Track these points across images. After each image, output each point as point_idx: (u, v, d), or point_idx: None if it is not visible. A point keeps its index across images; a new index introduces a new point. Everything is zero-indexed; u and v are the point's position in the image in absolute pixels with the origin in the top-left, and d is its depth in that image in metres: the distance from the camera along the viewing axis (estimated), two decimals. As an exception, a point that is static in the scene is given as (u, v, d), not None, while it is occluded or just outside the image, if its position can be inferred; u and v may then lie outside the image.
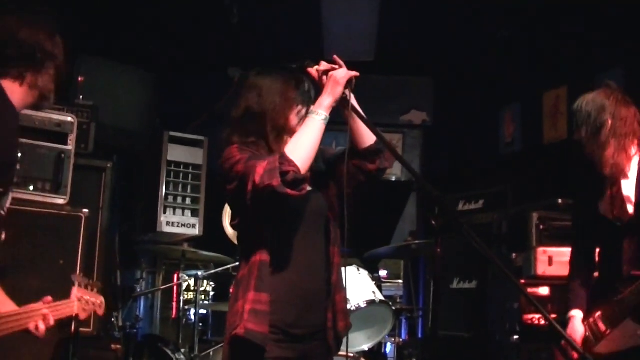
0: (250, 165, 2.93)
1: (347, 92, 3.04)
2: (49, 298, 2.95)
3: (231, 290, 3.34)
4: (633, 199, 3.60)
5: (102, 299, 3.37)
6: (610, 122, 3.63)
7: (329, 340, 3.16)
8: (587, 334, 3.69)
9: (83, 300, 3.22)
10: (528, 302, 4.95)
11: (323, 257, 3.18)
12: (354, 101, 3.09)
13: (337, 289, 3.19)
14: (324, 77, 3.08)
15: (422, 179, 2.78)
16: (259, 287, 2.96)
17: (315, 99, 3.09)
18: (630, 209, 3.60)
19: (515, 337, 5.25)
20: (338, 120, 3.09)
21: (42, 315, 2.85)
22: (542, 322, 5.08)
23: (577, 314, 3.77)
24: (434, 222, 4.93)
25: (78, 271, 4.42)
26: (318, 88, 3.10)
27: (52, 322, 2.89)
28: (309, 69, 3.12)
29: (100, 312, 3.37)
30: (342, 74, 3.04)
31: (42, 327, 2.84)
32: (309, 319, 3.09)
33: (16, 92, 2.77)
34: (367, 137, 3.19)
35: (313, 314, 3.11)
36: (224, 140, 3.26)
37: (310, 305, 3.09)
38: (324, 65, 3.10)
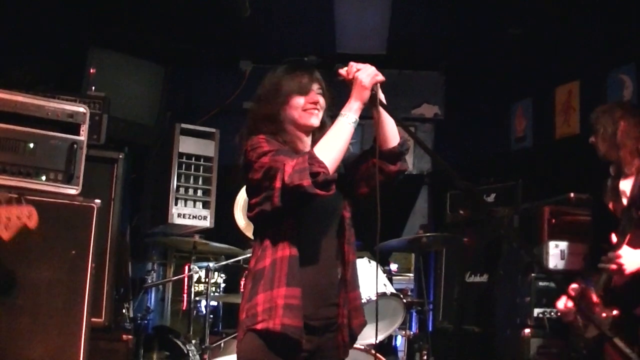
0: (278, 160, 2.96)
1: (376, 88, 3.04)
2: None
3: (243, 282, 3.34)
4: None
5: (30, 208, 3.16)
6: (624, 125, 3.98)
7: (344, 337, 3.21)
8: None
9: (3, 217, 3.05)
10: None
11: (337, 254, 3.24)
12: (382, 98, 3.10)
13: (351, 287, 3.25)
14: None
15: (452, 170, 2.79)
16: (291, 282, 3.01)
17: (346, 100, 3.09)
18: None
19: (526, 331, 5.24)
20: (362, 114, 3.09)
21: None
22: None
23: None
24: (462, 212, 4.95)
25: (90, 262, 4.42)
26: (349, 89, 3.10)
27: None
28: (340, 70, 3.11)
29: (32, 223, 3.15)
30: (367, 79, 3.02)
31: None
32: (324, 312, 3.16)
33: None
34: (391, 139, 3.21)
35: (327, 307, 3.18)
36: (248, 128, 3.29)
37: (324, 299, 3.16)
38: (354, 66, 3.08)
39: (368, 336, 5.15)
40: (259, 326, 2.98)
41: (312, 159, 2.89)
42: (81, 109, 4.68)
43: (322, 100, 3.24)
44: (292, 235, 3.05)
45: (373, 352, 4.95)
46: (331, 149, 2.95)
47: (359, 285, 3.30)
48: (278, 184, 2.91)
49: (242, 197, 5.57)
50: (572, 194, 5.48)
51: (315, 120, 3.21)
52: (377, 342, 5.24)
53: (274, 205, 2.95)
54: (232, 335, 5.06)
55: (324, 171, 2.88)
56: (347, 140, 3.00)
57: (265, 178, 2.98)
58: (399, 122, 3.13)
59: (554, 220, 5.36)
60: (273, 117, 3.20)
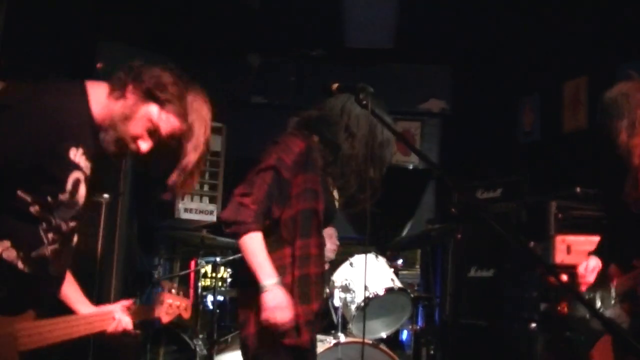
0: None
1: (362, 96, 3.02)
2: (127, 302, 3.01)
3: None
4: None
5: (187, 302, 3.39)
6: None
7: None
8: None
9: (166, 304, 3.26)
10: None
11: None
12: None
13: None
14: None
15: (440, 168, 2.78)
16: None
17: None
18: None
19: (533, 325, 5.24)
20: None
21: (119, 319, 2.90)
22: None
23: None
24: (453, 210, 4.94)
25: (99, 256, 4.44)
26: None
27: (130, 326, 2.96)
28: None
29: (186, 315, 3.38)
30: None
31: (119, 329, 2.91)
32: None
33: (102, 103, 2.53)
34: None
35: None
36: (300, 123, 3.33)
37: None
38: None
39: (376, 331, 5.20)
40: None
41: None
42: (89, 103, 4.67)
43: None
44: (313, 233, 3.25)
45: (382, 347, 4.96)
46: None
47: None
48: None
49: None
50: (578, 189, 5.46)
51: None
52: (385, 336, 5.25)
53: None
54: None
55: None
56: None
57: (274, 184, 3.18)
58: (385, 123, 3.09)
59: (560, 215, 5.35)
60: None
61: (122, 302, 2.99)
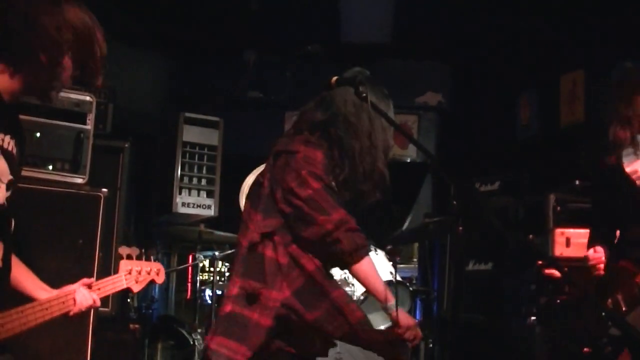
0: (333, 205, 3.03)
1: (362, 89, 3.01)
2: (88, 280, 2.94)
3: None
4: None
5: (159, 265, 3.29)
6: None
7: None
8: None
9: (134, 273, 3.17)
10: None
11: None
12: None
13: None
14: None
15: (438, 161, 2.79)
16: None
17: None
18: None
19: (532, 318, 5.25)
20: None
21: (80, 299, 2.83)
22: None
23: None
24: (455, 202, 4.92)
25: (97, 251, 4.42)
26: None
27: (98, 303, 2.91)
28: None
29: (159, 280, 3.28)
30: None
31: (83, 307, 2.84)
32: None
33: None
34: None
35: None
36: (317, 126, 3.23)
37: None
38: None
39: (375, 324, 5.20)
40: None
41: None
42: (87, 97, 4.66)
43: None
44: None
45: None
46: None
47: None
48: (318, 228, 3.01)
49: (247, 184, 5.55)
50: (577, 182, 5.46)
51: None
52: (383, 329, 5.24)
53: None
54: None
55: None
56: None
57: (303, 211, 3.05)
58: (383, 115, 3.09)
59: (559, 208, 5.35)
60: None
61: (83, 280, 2.91)
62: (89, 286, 2.91)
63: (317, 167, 3.05)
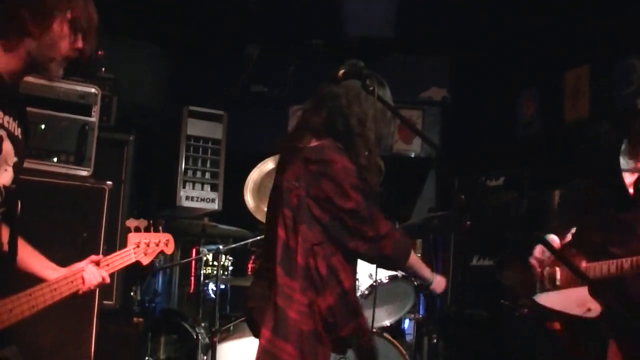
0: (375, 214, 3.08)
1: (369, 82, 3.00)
2: (96, 257, 2.90)
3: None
4: None
5: (168, 236, 3.26)
6: None
7: None
8: (542, 276, 3.75)
9: (142, 245, 3.15)
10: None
11: None
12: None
13: None
14: None
15: (444, 153, 2.80)
16: None
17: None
18: None
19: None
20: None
21: (89, 276, 2.80)
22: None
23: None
24: (463, 197, 4.91)
25: (102, 243, 4.41)
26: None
27: (107, 279, 2.88)
28: None
29: (169, 250, 3.27)
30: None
31: (92, 285, 2.81)
32: None
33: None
34: None
35: None
36: (329, 129, 3.18)
37: None
38: None
39: (380, 319, 5.20)
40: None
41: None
42: (92, 90, 4.66)
43: None
44: None
45: (386, 335, 4.96)
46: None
47: None
48: (372, 241, 3.09)
49: (252, 179, 5.54)
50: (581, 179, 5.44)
51: None
52: (389, 324, 5.25)
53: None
54: (242, 319, 5.04)
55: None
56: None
57: (358, 217, 3.05)
58: (391, 109, 3.09)
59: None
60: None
61: (91, 257, 2.88)
62: (97, 263, 2.88)
63: (355, 178, 3.03)
